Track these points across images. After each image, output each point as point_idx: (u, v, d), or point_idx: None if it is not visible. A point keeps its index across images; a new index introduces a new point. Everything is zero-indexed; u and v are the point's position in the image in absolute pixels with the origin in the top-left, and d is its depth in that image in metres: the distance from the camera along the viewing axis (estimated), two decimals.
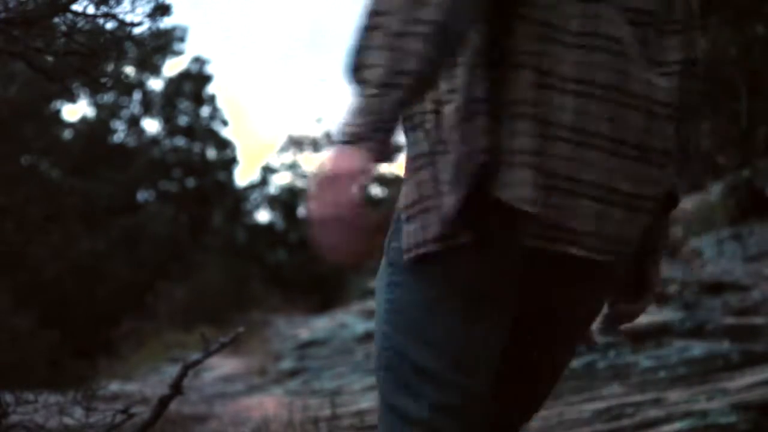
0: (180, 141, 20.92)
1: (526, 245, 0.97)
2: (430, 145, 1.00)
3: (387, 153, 0.91)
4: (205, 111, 21.23)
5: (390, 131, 0.90)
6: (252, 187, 23.15)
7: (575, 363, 3.90)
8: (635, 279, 1.15)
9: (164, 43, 19.73)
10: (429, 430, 1.00)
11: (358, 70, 0.90)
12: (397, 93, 0.89)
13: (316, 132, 31.05)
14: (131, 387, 6.28)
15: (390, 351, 1.05)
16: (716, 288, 5.14)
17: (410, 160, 1.05)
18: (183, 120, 20.91)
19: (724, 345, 3.93)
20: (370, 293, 10.22)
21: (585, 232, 0.96)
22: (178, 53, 20.56)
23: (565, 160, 0.94)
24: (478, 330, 1.01)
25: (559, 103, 0.94)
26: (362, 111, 0.89)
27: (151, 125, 20.79)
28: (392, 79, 0.88)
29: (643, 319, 3.76)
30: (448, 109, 0.97)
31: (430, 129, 1.00)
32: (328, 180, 0.90)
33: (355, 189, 0.90)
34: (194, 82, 20.76)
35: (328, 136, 30.78)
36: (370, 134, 0.89)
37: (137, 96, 20.28)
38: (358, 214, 0.91)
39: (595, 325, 1.20)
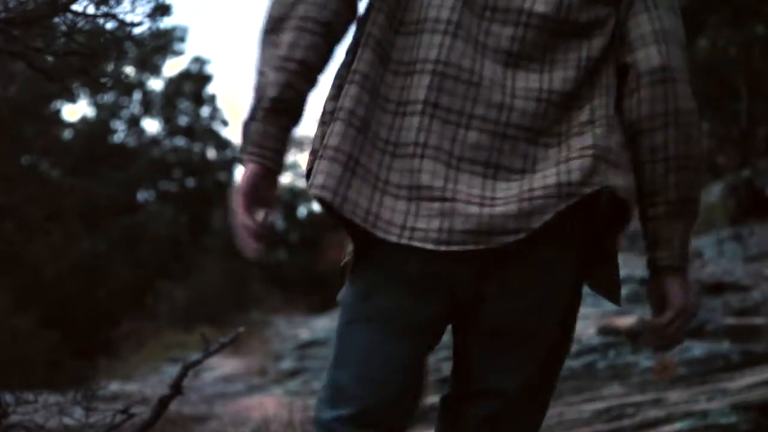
0: (180, 141, 20.93)
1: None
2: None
3: (269, 164, 1.11)
4: (205, 111, 21.24)
5: (258, 147, 1.10)
6: None
7: (575, 363, 3.89)
8: (656, 291, 1.22)
9: (164, 43, 19.76)
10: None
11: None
12: (258, 116, 1.11)
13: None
14: (131, 387, 6.28)
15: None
16: (716, 288, 5.14)
17: None
18: (183, 120, 20.92)
19: (725, 345, 3.93)
20: None
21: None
22: (178, 53, 20.61)
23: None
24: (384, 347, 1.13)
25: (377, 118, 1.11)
26: (242, 133, 1.14)
27: (151, 125, 20.90)
28: (255, 106, 1.12)
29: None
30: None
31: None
32: (234, 194, 1.14)
33: (248, 198, 1.11)
34: (194, 82, 20.76)
35: None
36: (245, 151, 1.12)
37: (137, 96, 20.30)
38: (250, 219, 1.12)
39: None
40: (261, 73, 1.13)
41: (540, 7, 1.10)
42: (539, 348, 1.15)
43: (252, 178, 1.11)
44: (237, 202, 1.13)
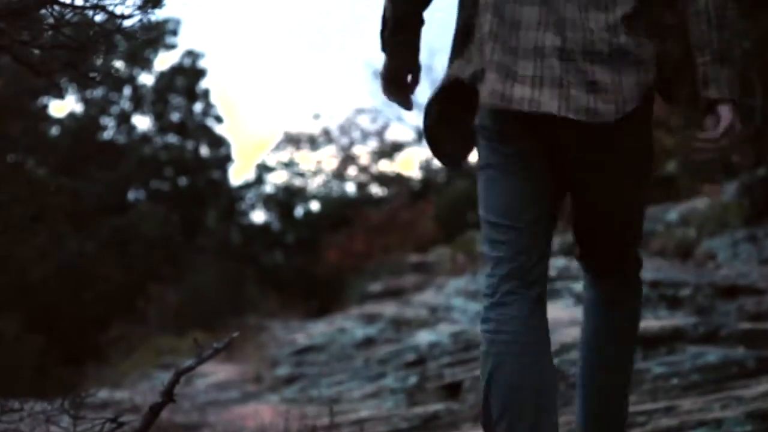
0: (172, 138, 20.92)
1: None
2: None
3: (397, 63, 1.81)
4: (198, 107, 21.24)
5: (386, 52, 1.79)
6: (247, 186, 23.17)
7: None
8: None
9: (156, 36, 19.72)
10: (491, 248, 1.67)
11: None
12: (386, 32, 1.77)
13: (314, 129, 30.95)
14: (121, 394, 6.29)
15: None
16: (731, 291, 5.14)
17: None
18: (175, 116, 20.91)
19: (739, 351, 3.93)
20: (369, 297, 10.22)
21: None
22: (171, 47, 20.61)
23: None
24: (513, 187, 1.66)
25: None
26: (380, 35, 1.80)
27: (142, 122, 20.80)
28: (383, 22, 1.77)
29: (654, 324, 3.75)
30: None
31: None
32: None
33: (385, 82, 1.83)
34: (187, 76, 20.76)
35: (326, 133, 30.78)
36: (383, 49, 1.80)
37: (127, 91, 20.29)
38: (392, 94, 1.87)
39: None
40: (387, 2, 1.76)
41: None
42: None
43: (386, 70, 1.82)
44: (382, 85, 1.85)
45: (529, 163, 1.62)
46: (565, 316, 5.19)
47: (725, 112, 1.59)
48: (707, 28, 1.56)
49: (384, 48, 1.77)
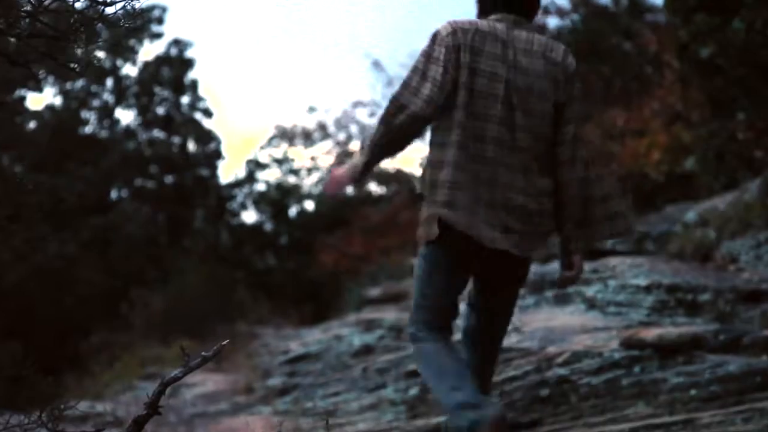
0: (157, 133, 20.92)
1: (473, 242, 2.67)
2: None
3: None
4: (185, 100, 21.24)
5: (361, 164, 2.75)
6: (237, 184, 23.17)
7: (595, 380, 3.90)
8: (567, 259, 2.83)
9: (140, 24, 19.78)
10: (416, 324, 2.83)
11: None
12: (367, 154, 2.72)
13: (308, 123, 30.95)
14: (102, 407, 6.28)
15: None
16: (753, 297, 5.15)
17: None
18: (161, 110, 20.92)
19: (763, 360, 3.94)
20: (367, 302, 10.22)
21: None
22: (156, 35, 20.63)
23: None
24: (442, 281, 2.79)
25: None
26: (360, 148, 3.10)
27: (126, 115, 20.84)
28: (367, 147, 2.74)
29: (672, 331, 3.76)
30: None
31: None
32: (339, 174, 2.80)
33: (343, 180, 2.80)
34: (173, 67, 20.77)
35: (322, 127, 30.79)
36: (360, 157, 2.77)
37: (110, 83, 20.30)
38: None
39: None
40: (373, 139, 2.69)
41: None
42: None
43: (348, 174, 2.77)
44: (338, 180, 2.80)
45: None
46: (576, 323, 5.20)
47: (578, 261, 2.80)
48: (574, 207, 2.76)
49: (369, 162, 2.74)
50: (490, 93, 2.63)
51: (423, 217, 2.71)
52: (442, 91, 2.59)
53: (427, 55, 2.64)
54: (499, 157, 2.64)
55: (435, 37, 2.67)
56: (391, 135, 2.64)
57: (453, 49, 2.62)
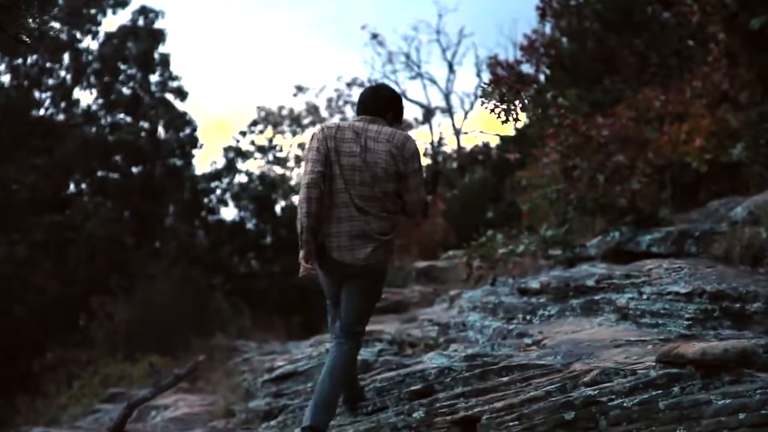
0: (123, 116, 20.93)
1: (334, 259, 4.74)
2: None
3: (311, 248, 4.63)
4: (155, 78, 21.25)
5: (305, 244, 4.60)
6: (215, 175, 23.19)
7: (627, 401, 3.90)
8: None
9: None
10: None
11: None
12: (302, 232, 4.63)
13: (296, 104, 30.81)
14: None
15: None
16: None
17: None
18: (126, 89, 20.94)
19: None
20: None
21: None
22: (121, 3, 20.63)
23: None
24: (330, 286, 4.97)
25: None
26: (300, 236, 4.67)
27: (85, 96, 20.82)
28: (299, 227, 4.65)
29: (716, 346, 3.74)
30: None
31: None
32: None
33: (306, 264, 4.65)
34: (141, 40, 20.78)
35: (312, 109, 30.80)
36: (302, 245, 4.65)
37: (67, 58, 20.30)
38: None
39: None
40: (300, 222, 4.54)
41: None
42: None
43: (306, 255, 4.55)
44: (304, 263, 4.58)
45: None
46: (606, 335, 5.21)
47: None
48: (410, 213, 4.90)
49: (307, 240, 4.52)
50: (351, 165, 4.67)
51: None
52: (320, 164, 4.64)
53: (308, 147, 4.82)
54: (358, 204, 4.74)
55: (312, 136, 4.77)
56: (308, 206, 4.54)
57: (323, 141, 4.71)
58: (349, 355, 4.72)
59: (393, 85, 23.29)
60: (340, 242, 4.64)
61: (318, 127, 4.84)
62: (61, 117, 20.40)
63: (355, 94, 31.22)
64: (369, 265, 4.66)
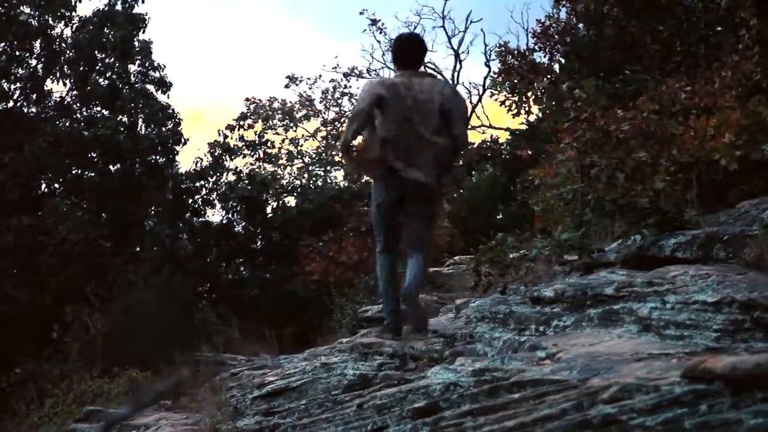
0: (99, 110, 20.95)
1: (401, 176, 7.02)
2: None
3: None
4: (135, 68, 21.27)
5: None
6: (201, 174, 23.20)
7: (650, 420, 3.91)
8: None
9: None
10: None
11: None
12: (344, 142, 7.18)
13: (288, 96, 30.75)
14: None
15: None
16: None
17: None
18: (103, 80, 20.95)
19: None
20: (363, 323, 10.25)
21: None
22: None
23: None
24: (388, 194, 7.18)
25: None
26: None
27: (59, 87, 20.82)
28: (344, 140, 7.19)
29: (747, 360, 3.74)
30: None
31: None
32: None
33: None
34: (119, 26, 20.79)
35: (306, 102, 30.77)
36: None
37: (38, 46, 20.32)
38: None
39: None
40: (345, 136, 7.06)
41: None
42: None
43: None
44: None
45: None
46: (626, 348, 5.21)
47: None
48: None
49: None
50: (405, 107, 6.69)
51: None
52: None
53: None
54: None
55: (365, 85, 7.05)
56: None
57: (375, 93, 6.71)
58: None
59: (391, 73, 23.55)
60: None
61: (377, 79, 7.48)
62: (32, 110, 20.42)
63: (354, 85, 31.27)
64: (428, 184, 6.86)
